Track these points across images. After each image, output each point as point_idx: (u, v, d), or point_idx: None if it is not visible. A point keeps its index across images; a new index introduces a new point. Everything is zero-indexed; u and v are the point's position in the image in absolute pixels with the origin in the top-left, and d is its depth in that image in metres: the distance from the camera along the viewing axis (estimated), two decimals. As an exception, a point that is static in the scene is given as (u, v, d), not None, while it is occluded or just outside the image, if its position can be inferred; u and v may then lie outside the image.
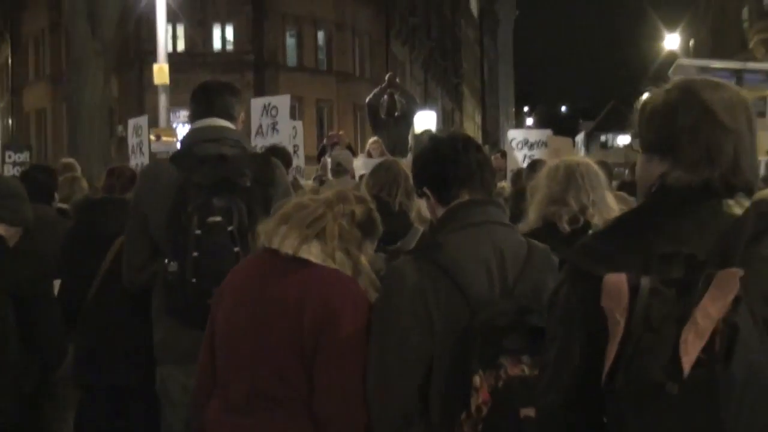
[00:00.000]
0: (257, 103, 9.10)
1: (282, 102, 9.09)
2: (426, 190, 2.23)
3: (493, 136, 64.74)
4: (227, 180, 2.72)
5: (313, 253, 2.08)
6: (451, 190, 2.18)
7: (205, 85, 3.06)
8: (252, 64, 27.64)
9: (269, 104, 8.93)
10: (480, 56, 63.17)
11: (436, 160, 2.21)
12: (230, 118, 2.96)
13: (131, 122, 10.85)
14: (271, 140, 8.62)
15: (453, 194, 2.18)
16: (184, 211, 2.67)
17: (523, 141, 9.66)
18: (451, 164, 2.19)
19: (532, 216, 3.06)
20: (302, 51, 30.00)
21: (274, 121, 8.76)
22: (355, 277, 2.11)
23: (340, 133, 12.52)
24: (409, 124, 13.39)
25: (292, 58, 29.87)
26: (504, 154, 10.13)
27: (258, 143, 8.57)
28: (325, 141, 11.51)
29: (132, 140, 10.64)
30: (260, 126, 8.88)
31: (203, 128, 2.90)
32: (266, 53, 28.26)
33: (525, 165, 7.87)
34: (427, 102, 38.05)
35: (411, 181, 4.20)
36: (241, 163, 2.79)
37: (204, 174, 2.73)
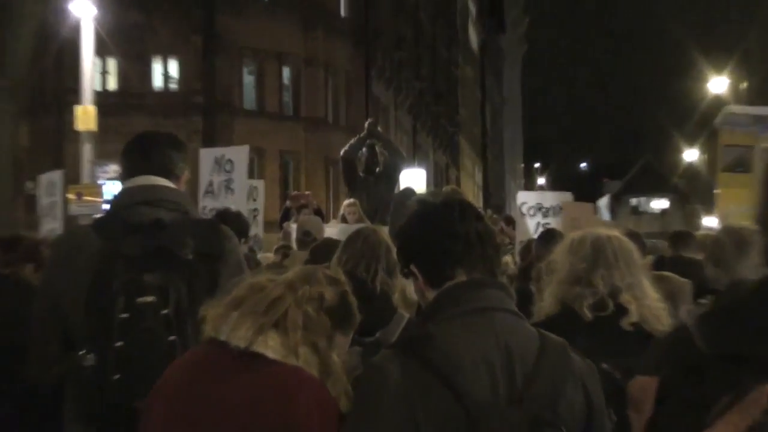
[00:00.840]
0: (207, 156, 9.22)
1: (238, 154, 9.21)
2: (413, 268, 2.25)
3: (497, 198, 65.46)
4: (164, 251, 2.74)
5: (270, 346, 2.08)
6: (444, 269, 2.20)
7: (142, 136, 3.11)
8: (201, 108, 28.01)
9: (222, 157, 9.05)
10: (481, 100, 64.43)
11: (426, 230, 2.24)
12: (171, 175, 3.02)
13: (43, 177, 10.81)
14: (224, 202, 8.67)
15: (447, 274, 2.20)
16: (107, 290, 2.67)
17: (535, 206, 9.77)
18: (444, 237, 2.21)
19: (547, 299, 3.09)
20: (263, 92, 30.44)
21: (228, 178, 8.88)
22: (323, 379, 2.11)
23: (308, 193, 12.63)
24: (393, 182, 13.48)
25: (250, 101, 30.29)
26: (510, 221, 10.22)
27: (207, 205, 8.63)
28: (288, 203, 11.57)
29: (43, 200, 10.58)
30: (210, 183, 8.97)
31: (136, 188, 2.94)
32: (219, 94, 28.65)
33: (537, 235, 7.93)
34: (416, 156, 38.59)
35: (394, 254, 4.17)
36: (181, 231, 2.82)
37: (135, 244, 2.76)
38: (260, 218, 9.60)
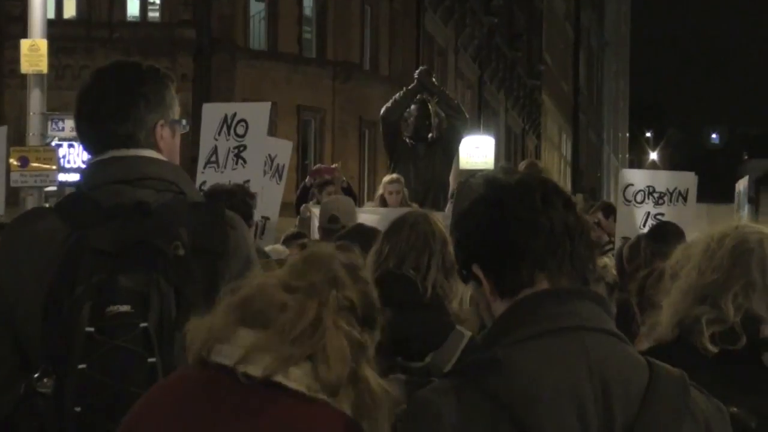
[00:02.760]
0: (212, 113, 9.34)
1: (255, 114, 9.39)
2: (475, 270, 2.28)
3: (591, 178, 64.99)
4: (147, 245, 2.76)
5: (293, 376, 2.08)
6: (519, 273, 2.23)
7: (103, 74, 3.11)
8: (192, 46, 28.20)
9: (234, 116, 9.11)
10: (574, 43, 63.98)
11: (496, 221, 2.26)
12: (152, 135, 3.03)
13: (-26, 136, 11.09)
14: (233, 176, 8.76)
15: (523, 279, 2.23)
16: (69, 295, 2.68)
17: (645, 190, 9.75)
18: (521, 230, 2.23)
19: (664, 317, 3.07)
20: (276, 26, 30.55)
21: (239, 144, 8.93)
22: (359, 417, 2.11)
23: (334, 166, 12.68)
24: (451, 153, 13.74)
25: (258, 37, 30.53)
26: (610, 211, 10.19)
27: (208, 180, 8.69)
28: (308, 179, 11.61)
29: (-25, 166, 10.89)
30: (214, 151, 9.04)
31: (110, 161, 2.97)
32: (216, 27, 28.78)
33: (646, 230, 7.90)
34: (482, 118, 38.49)
35: (451, 250, 4.21)
36: (172, 218, 2.84)
37: (108, 234, 2.77)
38: (278, 195, 9.69)
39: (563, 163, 58.98)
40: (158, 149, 3.04)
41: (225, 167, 8.95)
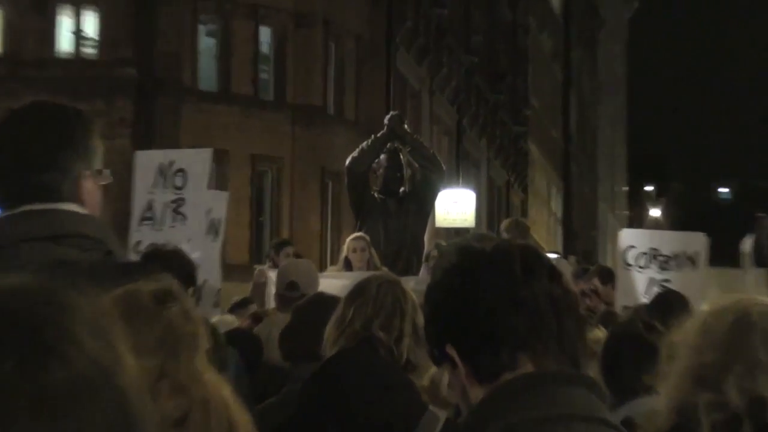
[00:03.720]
0: (146, 161, 9.28)
1: (195, 161, 9.30)
2: (450, 350, 2.27)
3: (586, 238, 65.24)
4: None
5: None
6: (499, 354, 2.23)
7: (17, 117, 3.14)
8: (132, 85, 28.27)
9: (170, 165, 9.04)
10: (564, 85, 64.51)
11: (470, 295, 2.26)
12: (74, 191, 3.03)
13: None
14: (171, 235, 8.69)
15: (503, 362, 2.23)
16: None
17: (648, 253, 9.76)
18: (499, 305, 2.24)
19: (661, 403, 3.09)
20: (229, 64, 30.72)
21: (177, 198, 8.86)
22: None
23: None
24: (425, 209, 13.61)
25: (208, 77, 30.66)
26: (607, 277, 10.17)
27: (144, 240, 8.60)
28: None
29: None
30: (149, 206, 8.95)
31: (22, 216, 2.98)
32: (160, 65, 28.92)
33: (649, 299, 7.86)
34: (461, 169, 38.64)
35: (422, 318, 4.22)
36: (99, 277, 2.82)
37: None
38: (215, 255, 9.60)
39: (553, 220, 59.22)
40: (81, 202, 3.04)
41: (163, 224, 8.89)
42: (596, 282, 10.01)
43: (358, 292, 4.41)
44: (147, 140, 25.84)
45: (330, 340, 4.51)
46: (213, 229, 9.70)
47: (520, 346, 2.21)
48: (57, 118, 3.09)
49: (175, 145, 24.96)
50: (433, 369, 4.04)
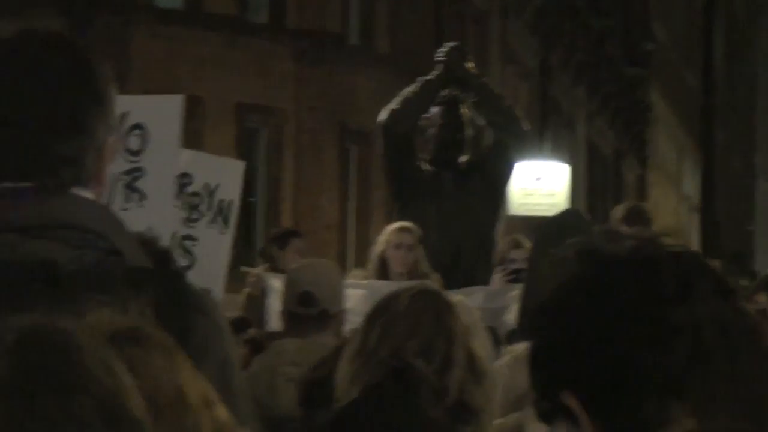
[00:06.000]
0: None
1: (158, 111, 9.36)
2: (569, 400, 2.34)
3: (738, 234, 64.73)
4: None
5: None
6: (643, 406, 2.29)
7: (22, 50, 3.33)
8: (66, 1, 28.75)
9: (121, 117, 9.04)
10: (705, 6, 64.16)
11: (603, 322, 2.35)
12: (78, 162, 3.27)
13: None
14: (129, 218, 8.72)
15: (650, 416, 2.29)
16: None
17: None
18: (644, 336, 2.30)
19: None
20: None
21: (132, 168, 9.01)
22: None
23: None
24: (497, 188, 13.54)
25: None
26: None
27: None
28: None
29: None
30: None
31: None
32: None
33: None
34: (548, 128, 38.57)
35: (478, 345, 4.29)
36: (94, 293, 2.85)
37: None
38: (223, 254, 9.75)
39: (686, 206, 59.29)
40: (97, 181, 3.29)
41: (111, 205, 8.85)
42: (763, 298, 10.01)
43: (383, 306, 4.48)
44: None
45: (347, 376, 4.55)
46: (219, 214, 9.77)
47: (675, 392, 2.25)
48: (74, 56, 3.27)
49: (122, 89, 25.01)
50: (502, 420, 4.03)
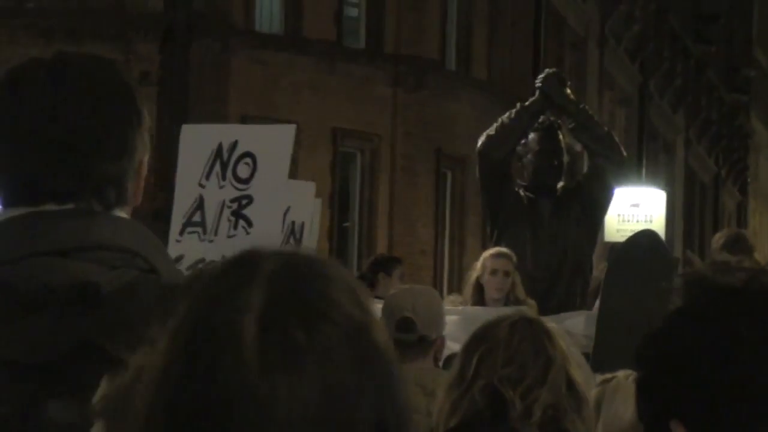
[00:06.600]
0: (194, 139, 9.25)
1: (270, 139, 9.37)
2: (677, 428, 2.39)
3: None
4: (91, 352, 2.98)
5: None
6: (756, 429, 2.41)
7: (69, 66, 3.39)
8: (159, 25, 28.81)
9: (232, 145, 9.03)
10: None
11: (716, 354, 2.39)
12: (122, 182, 3.33)
13: None
14: (226, 249, 8.62)
15: None
16: None
17: None
18: (761, 366, 2.38)
19: None
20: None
21: (240, 196, 8.90)
22: None
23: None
24: (595, 215, 13.53)
25: (269, 15, 31.46)
26: None
27: (188, 254, 8.60)
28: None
29: None
30: (199, 206, 8.92)
31: (31, 220, 3.24)
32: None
33: None
34: (645, 156, 38.37)
35: (579, 374, 4.26)
36: (134, 311, 3.00)
37: (31, 337, 3.02)
38: None
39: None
40: (133, 200, 3.38)
41: (216, 233, 8.90)
42: None
43: (481, 335, 4.44)
44: (180, 106, 26.04)
45: (444, 410, 4.52)
46: (292, 235, 9.70)
47: None
48: (112, 78, 3.35)
49: (220, 112, 25.15)
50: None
